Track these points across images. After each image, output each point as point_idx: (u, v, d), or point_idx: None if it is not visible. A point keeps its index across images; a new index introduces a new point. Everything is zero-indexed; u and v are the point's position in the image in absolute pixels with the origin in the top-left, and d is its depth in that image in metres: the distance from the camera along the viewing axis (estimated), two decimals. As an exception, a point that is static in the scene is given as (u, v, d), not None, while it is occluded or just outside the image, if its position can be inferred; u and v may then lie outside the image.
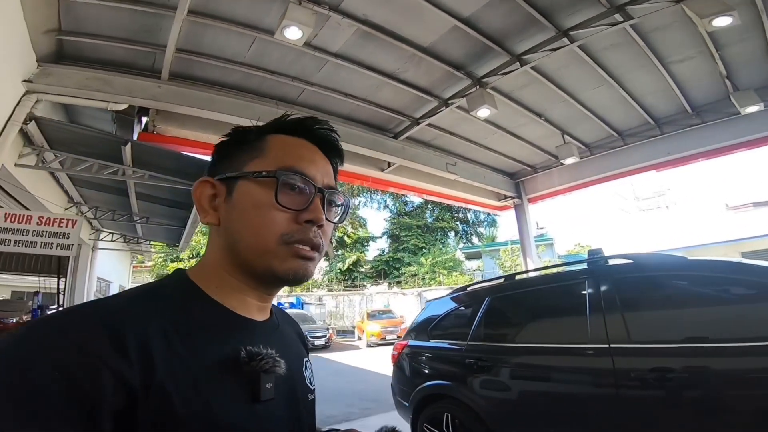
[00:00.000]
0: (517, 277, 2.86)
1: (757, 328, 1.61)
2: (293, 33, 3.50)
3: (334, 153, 0.60)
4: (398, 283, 23.06)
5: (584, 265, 2.39)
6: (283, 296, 19.67)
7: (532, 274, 3.09)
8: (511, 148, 7.18)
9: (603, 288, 2.12)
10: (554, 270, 3.01)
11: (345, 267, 24.36)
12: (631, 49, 4.81)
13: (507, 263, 19.05)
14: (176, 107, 4.46)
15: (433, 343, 2.96)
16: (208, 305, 0.51)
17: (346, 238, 28.71)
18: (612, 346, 1.93)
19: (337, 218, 0.59)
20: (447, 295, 3.12)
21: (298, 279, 0.53)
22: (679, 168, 7.00)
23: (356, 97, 5.34)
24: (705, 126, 6.15)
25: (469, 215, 26.06)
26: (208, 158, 0.61)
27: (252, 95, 4.93)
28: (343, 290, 22.96)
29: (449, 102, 5.38)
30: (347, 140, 5.58)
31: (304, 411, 0.59)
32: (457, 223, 26.62)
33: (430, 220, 25.90)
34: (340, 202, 0.59)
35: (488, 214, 22.59)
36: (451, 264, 21.71)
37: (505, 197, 8.40)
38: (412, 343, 3.19)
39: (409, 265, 22.96)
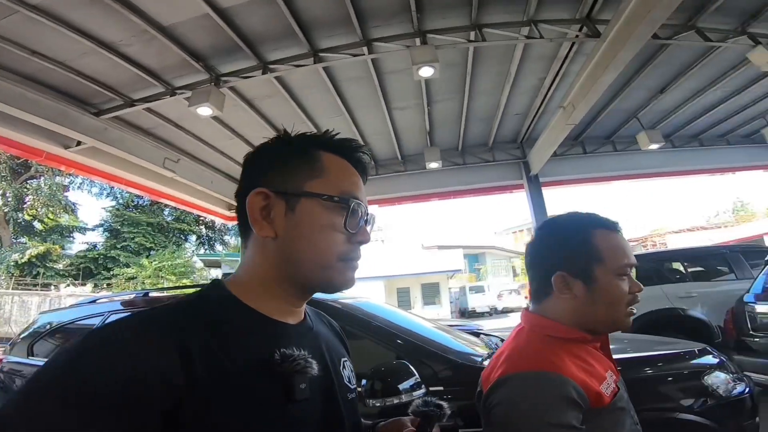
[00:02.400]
0: (152, 294, 2.81)
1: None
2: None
3: (365, 176, 0.66)
4: (108, 285, 18.78)
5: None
6: None
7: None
8: (247, 158, 7.30)
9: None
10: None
11: (24, 259, 17.86)
12: (369, 85, 5.34)
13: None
14: None
15: (33, 360, 2.49)
16: (246, 312, 0.56)
17: (37, 222, 21.31)
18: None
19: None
20: (70, 306, 2.73)
21: (348, 287, 0.61)
22: (393, 206, 8.74)
23: (50, 58, 4.18)
24: (407, 174, 7.87)
25: (217, 220, 24.48)
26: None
27: None
28: (17, 288, 16.70)
29: (177, 91, 4.89)
30: (20, 105, 4.28)
31: (345, 410, 0.61)
32: (201, 227, 24.51)
33: (168, 219, 22.69)
34: (372, 222, 0.65)
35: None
36: (182, 270, 19.54)
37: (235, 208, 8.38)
38: (10, 358, 2.61)
39: (127, 266, 19.16)
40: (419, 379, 1.19)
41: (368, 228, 0.63)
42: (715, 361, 2.04)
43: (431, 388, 1.57)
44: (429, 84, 5.48)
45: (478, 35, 4.37)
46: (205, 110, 4.57)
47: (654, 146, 7.38)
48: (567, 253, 0.84)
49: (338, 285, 0.60)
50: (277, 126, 6.08)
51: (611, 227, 0.86)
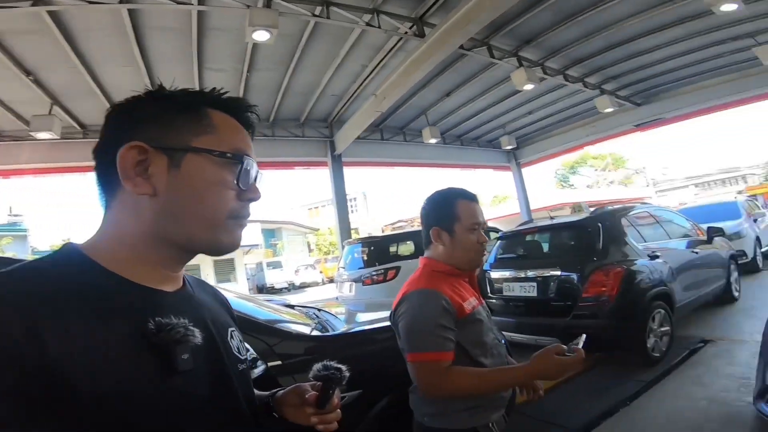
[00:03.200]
0: None
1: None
2: None
3: (253, 136, 0.63)
4: None
5: None
6: None
7: None
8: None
9: None
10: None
11: None
12: (183, 39, 4.56)
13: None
14: None
15: None
16: (112, 280, 0.50)
17: None
18: None
19: None
20: None
21: (235, 248, 0.58)
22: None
23: None
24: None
25: None
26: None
27: None
28: None
29: None
30: None
31: (237, 382, 0.59)
32: None
33: None
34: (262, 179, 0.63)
35: None
36: None
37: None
38: None
39: None
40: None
41: (258, 186, 0.61)
42: None
43: (270, 364, 1.57)
44: (256, 49, 5.14)
45: (324, 11, 4.39)
46: None
47: (433, 141, 9.21)
48: (439, 214, 1.21)
49: (226, 245, 0.57)
50: (27, 68, 4.69)
51: (470, 198, 1.23)
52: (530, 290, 3.74)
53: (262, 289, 18.62)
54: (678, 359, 3.42)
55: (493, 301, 4.08)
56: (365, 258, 6.25)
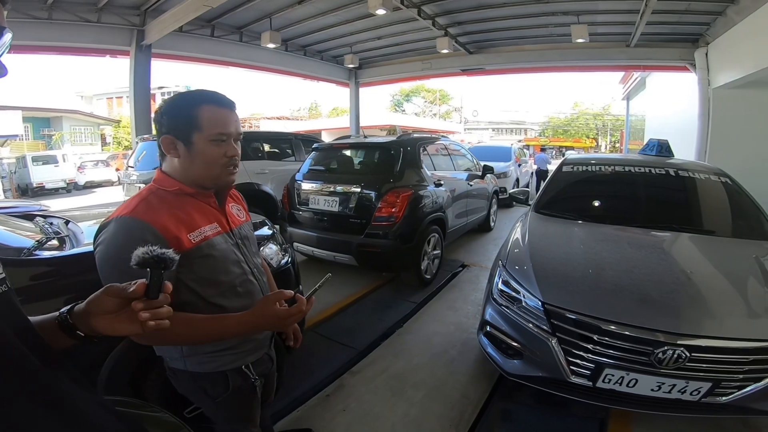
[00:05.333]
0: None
1: None
2: None
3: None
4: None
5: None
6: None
7: None
8: None
9: None
10: None
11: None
12: None
13: None
14: None
15: None
16: None
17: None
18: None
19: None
20: None
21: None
22: None
23: None
24: None
25: None
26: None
27: None
28: None
29: None
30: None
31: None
32: None
33: None
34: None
35: None
36: None
37: None
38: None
39: None
40: None
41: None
42: (269, 233, 2.22)
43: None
44: None
45: None
46: None
47: (272, 45, 8.83)
48: (174, 121, 0.96)
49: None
50: None
51: (219, 103, 0.98)
52: (333, 205, 3.73)
53: (25, 190, 14.06)
54: (442, 282, 3.90)
55: (300, 213, 4.01)
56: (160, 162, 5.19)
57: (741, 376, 1.57)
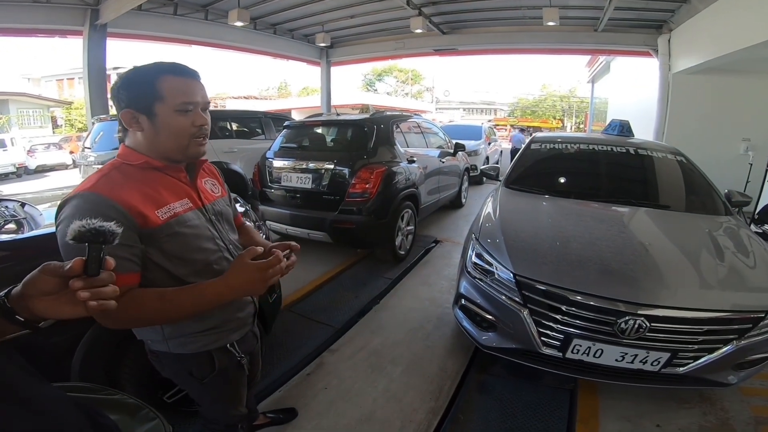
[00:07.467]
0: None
1: None
2: None
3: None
4: None
5: None
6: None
7: None
8: None
9: None
10: None
11: None
12: None
13: None
14: None
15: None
16: None
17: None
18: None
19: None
20: None
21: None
22: None
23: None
24: None
25: None
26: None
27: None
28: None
29: None
30: None
31: None
32: None
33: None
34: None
35: None
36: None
37: None
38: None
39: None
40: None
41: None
42: (241, 210, 2.33)
43: None
44: None
45: None
46: None
47: (239, 23, 8.35)
48: (133, 94, 0.91)
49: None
50: None
51: (180, 73, 0.93)
52: (306, 182, 3.71)
53: (-32, 176, 12.96)
54: (416, 258, 3.97)
55: (272, 191, 3.97)
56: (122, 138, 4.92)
57: (696, 347, 1.69)
